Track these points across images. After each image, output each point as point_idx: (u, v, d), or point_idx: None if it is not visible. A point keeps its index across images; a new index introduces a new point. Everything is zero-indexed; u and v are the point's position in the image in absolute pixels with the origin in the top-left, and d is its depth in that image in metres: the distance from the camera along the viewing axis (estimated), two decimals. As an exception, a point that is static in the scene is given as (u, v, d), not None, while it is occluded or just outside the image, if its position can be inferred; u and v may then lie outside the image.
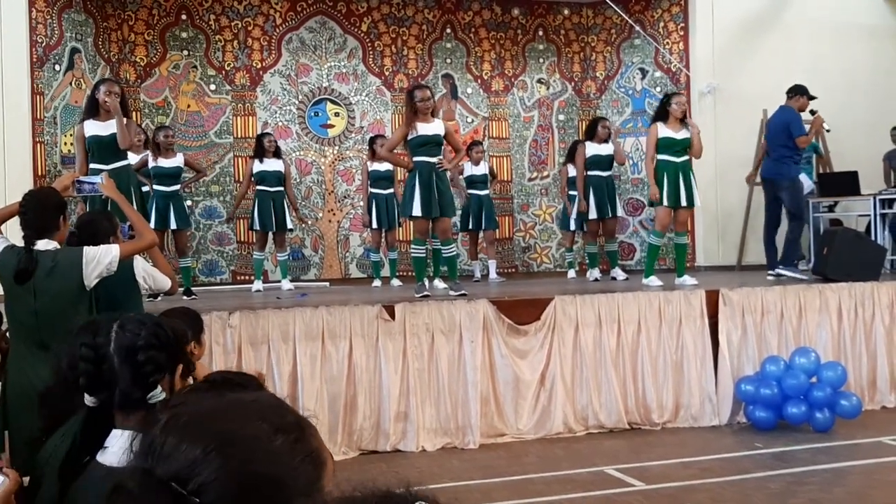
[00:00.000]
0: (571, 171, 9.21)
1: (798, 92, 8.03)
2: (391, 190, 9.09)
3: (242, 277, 9.90)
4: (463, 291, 6.62)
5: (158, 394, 1.77)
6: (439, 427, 5.93)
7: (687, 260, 8.00)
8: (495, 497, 4.74)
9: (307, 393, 5.65)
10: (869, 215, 8.98)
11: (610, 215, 8.76)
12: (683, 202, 7.38)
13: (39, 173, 8.50)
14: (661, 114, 7.53)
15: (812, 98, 8.07)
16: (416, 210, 6.68)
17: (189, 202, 9.46)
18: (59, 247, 3.81)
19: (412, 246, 7.31)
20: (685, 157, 7.44)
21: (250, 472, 0.90)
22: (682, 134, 7.41)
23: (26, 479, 2.05)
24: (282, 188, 8.68)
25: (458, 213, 8.82)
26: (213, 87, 10.15)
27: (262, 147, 8.69)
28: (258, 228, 8.63)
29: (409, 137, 6.75)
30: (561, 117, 11.26)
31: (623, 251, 10.47)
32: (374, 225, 9.07)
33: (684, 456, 5.57)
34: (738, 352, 6.59)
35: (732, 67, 10.13)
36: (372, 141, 9.24)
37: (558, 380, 6.19)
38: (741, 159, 9.86)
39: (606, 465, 5.33)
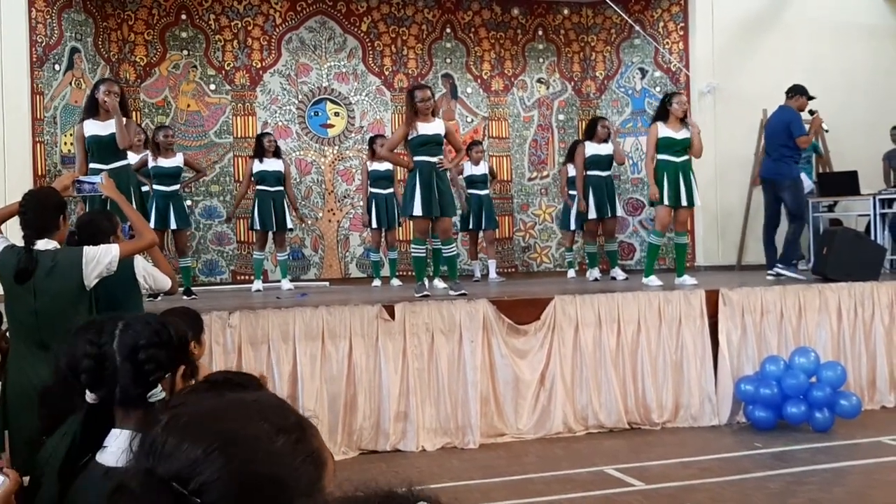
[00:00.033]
0: (571, 170, 9.21)
1: (797, 92, 8.04)
2: (391, 190, 9.09)
3: (242, 277, 9.90)
4: (463, 291, 6.62)
5: (158, 392, 1.77)
6: (439, 427, 5.93)
7: (687, 260, 8.00)
8: (495, 497, 4.74)
9: (307, 393, 5.65)
10: (869, 215, 8.99)
11: (609, 215, 8.76)
12: (683, 202, 7.38)
13: (39, 173, 8.50)
14: (662, 113, 7.52)
15: (811, 98, 8.07)
16: (417, 210, 6.68)
17: (189, 202, 9.46)
18: (58, 247, 3.81)
19: (412, 246, 7.31)
20: (685, 157, 7.44)
21: (252, 472, 0.90)
22: (682, 134, 7.41)
23: (26, 479, 2.05)
24: (282, 188, 8.68)
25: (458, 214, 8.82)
26: (212, 86, 10.15)
27: (262, 147, 8.69)
28: (258, 228, 8.63)
29: (410, 137, 6.75)
30: (561, 117, 11.26)
31: (623, 251, 10.47)
32: (374, 225, 9.07)
33: (684, 456, 5.58)
34: (738, 352, 6.60)
35: (732, 67, 10.13)
36: (372, 141, 9.24)
37: (558, 380, 6.19)
38: (741, 159, 9.86)
39: (606, 464, 5.33)
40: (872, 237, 8.54)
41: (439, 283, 8.16)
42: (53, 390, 2.22)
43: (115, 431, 1.76)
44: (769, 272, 7.94)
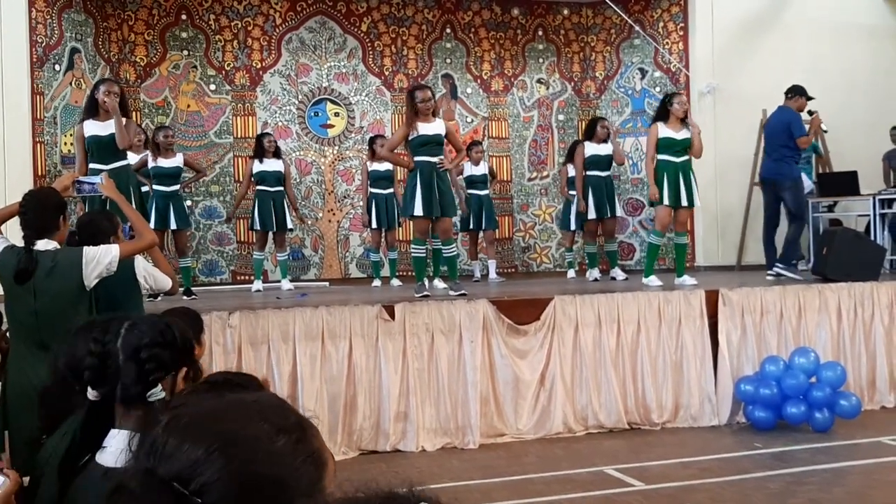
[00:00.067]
0: (571, 171, 9.21)
1: (797, 92, 8.04)
2: (391, 190, 9.09)
3: (242, 277, 9.91)
4: (463, 291, 6.62)
5: (158, 392, 1.78)
6: (439, 427, 5.93)
7: (686, 260, 8.00)
8: (495, 497, 4.74)
9: (307, 393, 5.65)
10: (868, 215, 8.99)
11: (609, 215, 8.76)
12: (684, 202, 7.38)
13: (39, 173, 8.50)
14: (662, 114, 7.52)
15: (810, 98, 8.08)
16: (418, 210, 6.68)
17: (189, 202, 9.47)
18: (58, 247, 3.81)
19: (412, 246, 7.31)
20: (685, 157, 7.44)
21: (252, 472, 0.90)
22: (682, 134, 7.41)
23: (26, 480, 2.06)
24: (282, 188, 8.68)
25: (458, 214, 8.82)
26: (212, 87, 10.15)
27: (262, 147, 8.70)
28: (258, 228, 8.64)
29: (410, 137, 6.75)
30: (560, 117, 11.26)
31: (623, 251, 10.47)
32: (374, 225, 9.08)
33: (684, 456, 5.58)
34: (738, 352, 6.60)
35: (732, 67, 10.14)
36: (372, 141, 9.24)
37: (558, 380, 6.20)
38: (741, 159, 9.86)
39: (606, 465, 5.33)
40: (872, 237, 8.54)
41: (439, 284, 8.16)
42: (53, 390, 2.22)
43: (114, 431, 1.77)
44: (769, 272, 7.94)
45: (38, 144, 8.56)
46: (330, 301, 6.31)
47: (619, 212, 9.41)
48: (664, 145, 7.38)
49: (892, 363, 6.99)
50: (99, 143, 6.06)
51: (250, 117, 10.22)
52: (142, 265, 4.12)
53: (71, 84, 9.09)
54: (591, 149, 8.76)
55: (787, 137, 7.87)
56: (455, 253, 7.22)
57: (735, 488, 4.86)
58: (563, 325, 6.26)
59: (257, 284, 8.66)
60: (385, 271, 9.44)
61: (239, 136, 10.16)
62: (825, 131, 9.11)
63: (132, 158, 7.02)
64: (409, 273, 8.83)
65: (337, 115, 10.53)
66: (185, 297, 7.40)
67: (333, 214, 10.45)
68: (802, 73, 9.06)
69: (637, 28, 10.48)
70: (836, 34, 10.34)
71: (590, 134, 8.91)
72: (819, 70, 9.71)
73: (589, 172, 8.71)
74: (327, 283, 9.92)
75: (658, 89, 10.61)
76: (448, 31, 10.90)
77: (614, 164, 9.00)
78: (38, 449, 2.15)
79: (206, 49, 10.14)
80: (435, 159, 6.75)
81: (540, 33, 11.21)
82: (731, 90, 10.04)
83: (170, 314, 3.38)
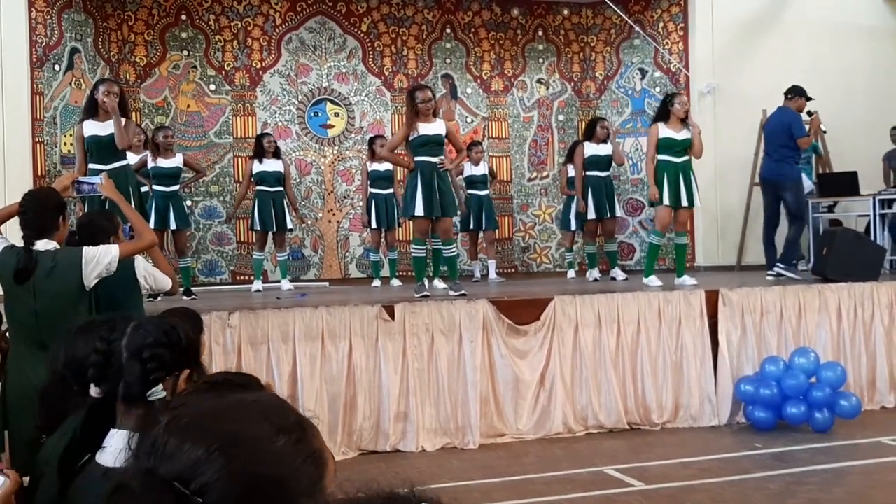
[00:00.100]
0: (571, 171, 9.22)
1: (797, 93, 8.05)
2: (391, 190, 9.09)
3: (242, 277, 9.90)
4: (462, 291, 6.62)
5: (159, 391, 1.78)
6: (439, 427, 5.93)
7: (686, 260, 8.00)
8: (495, 497, 4.74)
9: (307, 393, 5.65)
10: (868, 215, 8.99)
11: (608, 215, 8.76)
12: (684, 202, 7.38)
13: (39, 173, 8.50)
14: (663, 114, 7.52)
15: (809, 99, 8.09)
16: (419, 210, 6.67)
17: (189, 202, 9.47)
18: (58, 247, 3.81)
19: (412, 246, 7.31)
20: (685, 158, 7.43)
21: (253, 472, 0.90)
22: (682, 134, 7.41)
23: (26, 480, 2.06)
24: (281, 188, 8.68)
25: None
26: (212, 87, 10.15)
27: (262, 147, 8.70)
28: (258, 228, 8.64)
29: (411, 138, 6.75)
30: (560, 117, 11.26)
31: (622, 251, 10.47)
32: (374, 225, 9.08)
33: (684, 456, 5.58)
34: (738, 352, 6.60)
35: (732, 68, 10.14)
36: (371, 141, 9.24)
37: (558, 380, 6.19)
38: (741, 160, 9.86)
39: (606, 465, 5.33)
40: (872, 237, 8.54)
41: (439, 284, 8.16)
42: (53, 390, 2.22)
43: (113, 431, 1.77)
44: (769, 272, 7.94)
45: (38, 144, 8.56)
46: (330, 301, 6.31)
47: (619, 212, 9.41)
48: (664, 145, 7.38)
49: (892, 363, 6.99)
50: (98, 144, 6.06)
51: (250, 117, 10.22)
52: (142, 265, 4.12)
53: (71, 84, 9.09)
54: (590, 149, 8.76)
55: (787, 138, 7.87)
56: (455, 253, 7.22)
57: (735, 488, 4.86)
58: (563, 326, 6.26)
59: (257, 284, 8.66)
60: (385, 271, 9.44)
61: (239, 136, 10.16)
62: (824, 132, 9.11)
63: (132, 158, 7.02)
64: (409, 273, 8.83)
65: (337, 115, 10.53)
66: (184, 298, 7.40)
67: (333, 214, 10.45)
68: (802, 73, 9.06)
69: (637, 28, 10.48)
70: (836, 34, 10.34)
71: (589, 134, 8.91)
72: (819, 70, 9.71)
73: (588, 173, 8.71)
74: (327, 284, 9.92)
75: (658, 89, 10.61)
76: (448, 31, 10.90)
77: (614, 164, 9.00)
78: (38, 449, 2.15)
79: (205, 49, 10.14)
80: (435, 159, 6.75)
81: (540, 33, 11.21)
82: (731, 90, 10.05)
83: (169, 314, 3.38)
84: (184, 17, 10.09)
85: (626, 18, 10.32)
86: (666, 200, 7.36)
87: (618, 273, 8.82)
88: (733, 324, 6.59)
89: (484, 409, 6.02)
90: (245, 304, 6.37)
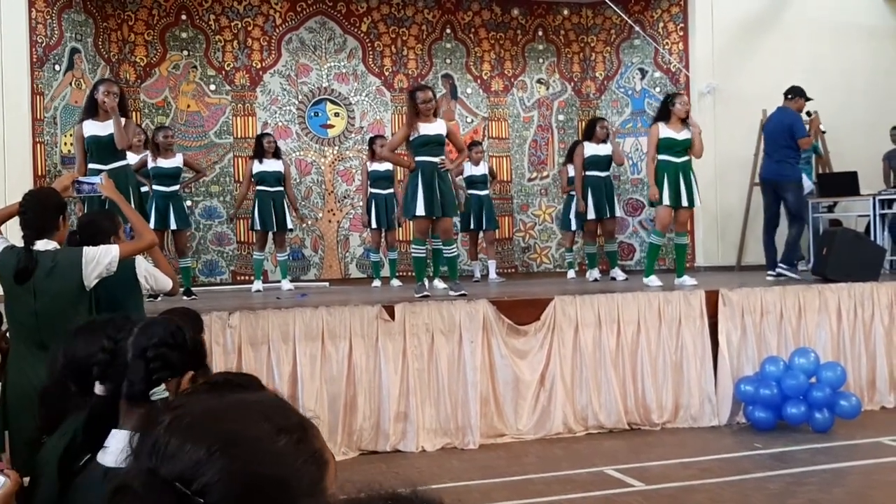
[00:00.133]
0: (571, 171, 9.22)
1: (797, 93, 8.05)
2: (391, 190, 9.09)
3: (242, 278, 9.91)
4: (463, 291, 6.62)
5: (161, 391, 1.78)
6: (439, 427, 5.93)
7: (686, 260, 8.00)
8: (495, 497, 4.74)
9: (307, 393, 5.65)
10: (868, 216, 8.99)
11: (608, 216, 8.76)
12: (684, 202, 7.38)
13: (39, 173, 8.50)
14: (663, 114, 7.52)
15: (808, 99, 8.09)
16: (420, 210, 6.67)
17: (189, 202, 9.47)
18: (58, 247, 3.81)
19: (412, 246, 7.31)
20: (686, 158, 7.43)
21: (254, 472, 0.91)
22: (683, 134, 7.41)
23: (27, 480, 2.06)
24: (281, 188, 8.68)
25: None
26: (212, 87, 10.15)
27: (262, 147, 8.70)
28: (258, 228, 8.64)
29: (411, 138, 6.75)
30: (560, 117, 11.26)
31: (622, 251, 10.47)
32: (374, 225, 9.08)
33: (684, 456, 5.58)
34: (738, 352, 6.60)
35: (732, 68, 10.14)
36: (371, 141, 9.24)
37: (558, 380, 6.19)
38: (741, 160, 9.86)
39: (606, 465, 5.33)
40: (872, 238, 8.54)
41: (439, 284, 8.16)
42: (53, 390, 2.22)
43: (115, 431, 1.77)
44: (770, 273, 7.94)
45: (38, 144, 8.56)
46: (330, 301, 6.31)
47: (619, 212, 9.41)
48: (665, 146, 7.38)
49: (892, 363, 6.99)
50: (98, 144, 6.06)
51: (250, 117, 10.22)
52: (143, 265, 4.11)
53: (71, 84, 9.09)
54: (590, 149, 8.75)
55: (788, 138, 7.87)
56: (456, 253, 7.22)
57: (735, 489, 4.86)
58: (563, 326, 6.26)
59: (257, 285, 8.67)
60: (385, 271, 9.44)
61: (239, 136, 10.16)
62: (823, 132, 9.11)
63: (132, 159, 7.03)
64: (409, 273, 8.83)
65: (337, 115, 10.54)
66: (185, 298, 7.40)
67: (333, 215, 10.45)
68: (802, 73, 9.07)
69: (637, 28, 10.48)
70: (836, 34, 10.34)
71: (589, 134, 8.91)
72: (819, 70, 9.71)
73: (588, 173, 8.71)
74: (327, 284, 9.92)
75: (658, 90, 10.61)
76: (448, 31, 10.90)
77: (614, 164, 9.00)
78: (38, 449, 2.15)
79: (206, 49, 10.14)
80: (436, 159, 6.75)
81: (540, 33, 11.21)
82: (730, 90, 10.05)
83: (169, 314, 3.38)
84: (184, 17, 10.09)
85: (626, 18, 10.32)
86: (666, 200, 7.35)
87: (618, 273, 8.82)
88: (733, 324, 6.60)
89: (484, 410, 6.02)
90: (245, 305, 6.37)
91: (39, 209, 3.78)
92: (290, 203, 8.83)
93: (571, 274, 9.77)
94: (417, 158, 6.75)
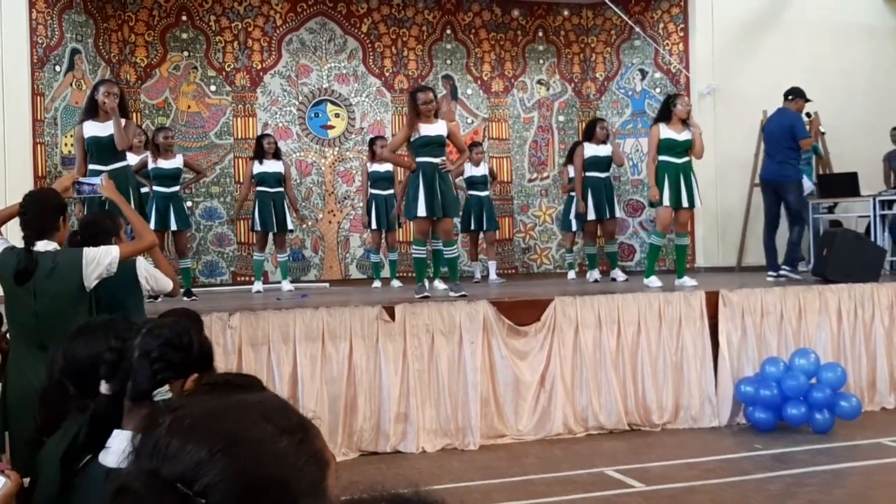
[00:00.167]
0: (571, 172, 9.22)
1: (797, 95, 8.05)
2: (391, 191, 9.09)
3: (242, 278, 9.91)
4: (463, 292, 6.62)
5: (164, 392, 1.79)
6: (439, 428, 5.93)
7: (687, 261, 8.00)
8: (495, 498, 4.74)
9: (307, 394, 5.65)
10: (869, 216, 8.99)
11: (608, 216, 8.76)
12: (684, 203, 7.39)
13: (39, 174, 8.50)
14: (664, 114, 7.52)
15: (808, 101, 8.10)
16: (421, 211, 6.67)
17: (189, 203, 9.47)
18: (58, 248, 3.81)
19: (413, 246, 7.31)
20: (686, 159, 7.44)
21: (256, 473, 0.91)
22: (684, 135, 7.40)
23: (27, 481, 2.06)
24: (282, 189, 8.69)
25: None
26: (213, 87, 10.15)
27: (262, 148, 8.70)
28: (258, 229, 8.64)
29: (412, 139, 6.75)
30: (561, 118, 11.27)
31: (623, 252, 10.48)
32: (374, 226, 9.08)
33: (684, 457, 5.58)
34: (738, 353, 6.59)
35: (732, 68, 10.14)
36: (372, 142, 9.24)
37: (558, 381, 6.19)
38: (741, 160, 9.87)
39: (606, 466, 5.33)
40: (872, 238, 8.54)
41: (439, 285, 8.16)
42: (53, 391, 2.22)
43: (116, 431, 1.77)
44: (770, 273, 7.95)
45: (39, 145, 8.57)
46: (330, 302, 6.31)
47: (619, 213, 9.42)
48: (665, 146, 7.38)
49: (892, 364, 6.99)
50: (98, 144, 6.06)
51: (251, 118, 10.22)
52: (143, 266, 4.11)
53: (71, 85, 9.09)
54: (590, 150, 8.76)
55: (790, 139, 7.87)
56: (456, 254, 7.21)
57: (735, 489, 4.86)
58: (564, 326, 6.26)
59: (257, 285, 8.67)
60: (385, 272, 9.44)
61: (239, 137, 10.16)
62: (823, 133, 9.11)
63: (132, 159, 7.03)
64: (410, 274, 8.84)
65: (337, 116, 10.54)
66: (185, 299, 7.40)
67: (333, 215, 10.45)
68: (802, 73, 9.07)
69: (637, 29, 10.49)
70: (836, 34, 10.34)
71: (589, 135, 8.91)
72: (819, 70, 9.71)
73: (588, 173, 8.71)
74: (327, 285, 9.92)
75: (658, 90, 10.62)
76: (448, 32, 10.91)
77: (614, 165, 9.00)
78: (38, 450, 2.15)
79: (206, 50, 10.14)
80: (437, 160, 6.75)
81: (540, 34, 11.21)
82: (731, 91, 10.05)
83: (169, 315, 3.38)
84: (184, 17, 10.10)
85: (627, 19, 10.33)
86: (666, 201, 7.36)
87: (618, 274, 8.82)
88: (733, 325, 6.59)
89: (484, 410, 6.02)
90: (245, 305, 6.37)
91: (40, 210, 3.78)
92: (290, 204, 8.83)
93: (572, 275, 9.77)
94: (418, 159, 6.75)
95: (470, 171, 9.40)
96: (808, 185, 9.04)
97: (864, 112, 10.13)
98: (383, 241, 9.33)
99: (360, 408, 5.78)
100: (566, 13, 11.24)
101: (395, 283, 9.29)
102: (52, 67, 8.83)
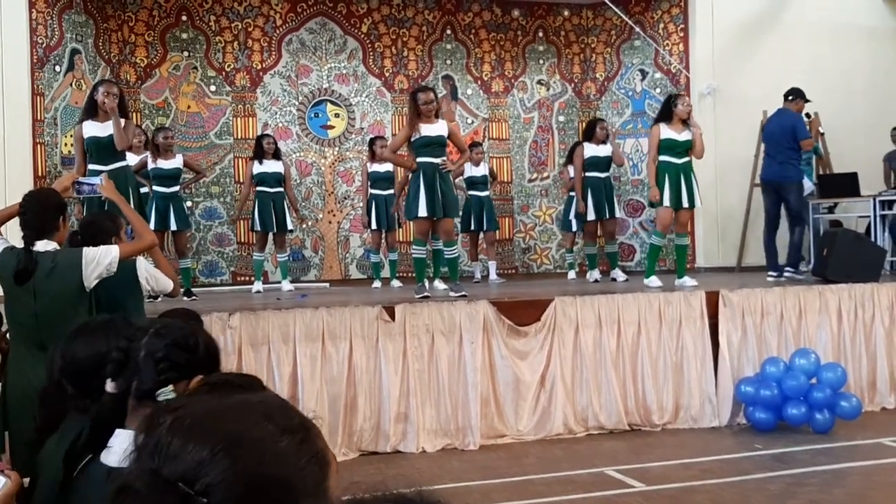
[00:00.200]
0: (571, 172, 9.22)
1: (797, 95, 8.06)
2: (391, 191, 9.09)
3: (242, 278, 9.91)
4: (463, 292, 6.62)
5: (167, 392, 1.79)
6: (439, 428, 5.93)
7: (687, 261, 8.00)
8: (495, 498, 4.74)
9: (307, 394, 5.65)
10: (869, 217, 8.99)
11: (608, 216, 8.76)
12: (685, 203, 7.39)
13: (39, 174, 8.50)
14: (665, 114, 7.51)
15: (808, 101, 8.10)
16: (422, 211, 6.67)
17: (189, 203, 9.47)
18: (58, 248, 3.81)
19: (413, 246, 7.31)
20: (686, 159, 7.44)
21: (257, 473, 0.91)
22: (684, 135, 7.40)
23: (27, 481, 2.06)
24: (281, 189, 8.69)
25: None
26: (213, 88, 10.15)
27: (262, 148, 8.70)
28: (258, 229, 8.64)
29: (413, 139, 6.75)
30: (561, 118, 11.27)
31: (623, 252, 10.48)
32: (374, 226, 9.08)
33: (684, 457, 5.58)
34: (738, 353, 6.59)
35: (732, 69, 10.14)
36: (372, 142, 9.24)
37: (558, 381, 6.19)
38: (741, 161, 9.87)
39: (606, 466, 5.33)
40: (873, 239, 8.54)
41: (439, 285, 8.16)
42: (53, 391, 2.22)
43: (118, 431, 1.77)
44: (770, 273, 7.95)
45: (39, 145, 8.57)
46: (330, 302, 6.31)
47: (619, 213, 9.42)
48: (666, 146, 7.38)
49: (892, 364, 6.99)
50: (98, 144, 6.06)
51: (250, 118, 10.22)
52: (144, 266, 4.11)
53: (71, 85, 9.09)
54: (590, 150, 8.75)
55: (791, 140, 7.88)
56: (457, 254, 7.21)
57: (735, 489, 4.86)
58: (564, 327, 6.26)
59: (257, 285, 8.67)
60: (385, 272, 9.44)
61: (239, 137, 10.16)
62: (822, 133, 9.11)
63: (132, 159, 7.03)
64: (410, 274, 8.83)
65: (337, 116, 10.54)
66: (185, 299, 7.40)
67: (333, 215, 10.45)
68: (802, 74, 9.07)
69: (637, 29, 10.49)
70: (836, 35, 10.34)
71: (589, 135, 8.91)
72: (819, 71, 9.71)
73: (588, 174, 8.71)
74: (327, 285, 9.92)
75: (658, 90, 10.62)
76: (448, 32, 10.91)
77: (614, 165, 9.00)
78: (38, 450, 2.15)
79: (206, 50, 10.15)
80: (437, 160, 6.75)
81: (540, 34, 11.21)
82: (731, 91, 10.05)
83: (169, 315, 3.38)
84: (184, 18, 10.10)
85: (627, 19, 10.33)
86: (667, 201, 7.35)
87: (618, 274, 8.82)
88: (734, 325, 6.59)
89: (484, 410, 6.02)
90: (245, 305, 6.37)
91: (39, 210, 3.78)
92: (290, 204, 8.83)
93: (572, 275, 9.77)
94: (419, 159, 6.75)
95: (470, 171, 9.40)
96: (808, 185, 9.03)
97: (864, 112, 10.13)
98: (383, 241, 9.33)
99: (361, 408, 5.78)
100: (566, 13, 11.24)
101: (395, 283, 9.29)
102: (51, 67, 8.84)
